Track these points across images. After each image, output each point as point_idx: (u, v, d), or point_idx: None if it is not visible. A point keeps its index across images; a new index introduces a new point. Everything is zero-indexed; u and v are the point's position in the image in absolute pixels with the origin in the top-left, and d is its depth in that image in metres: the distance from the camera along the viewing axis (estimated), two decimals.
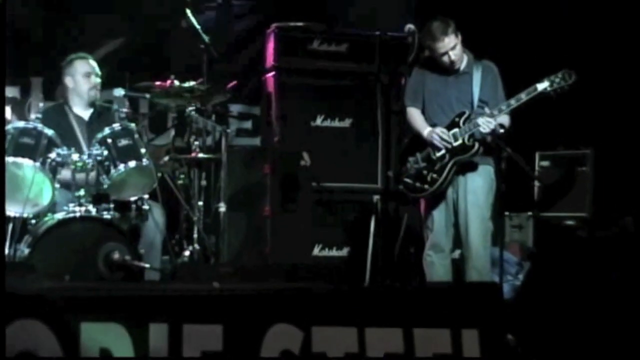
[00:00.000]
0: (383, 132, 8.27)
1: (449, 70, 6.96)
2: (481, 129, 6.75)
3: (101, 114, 7.31)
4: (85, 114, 7.36)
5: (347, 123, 8.39)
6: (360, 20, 8.70)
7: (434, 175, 6.90)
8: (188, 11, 7.76)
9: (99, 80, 7.33)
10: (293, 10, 8.66)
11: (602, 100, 8.80)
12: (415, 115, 7.09)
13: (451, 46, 6.84)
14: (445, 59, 6.89)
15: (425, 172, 6.94)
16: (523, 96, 6.74)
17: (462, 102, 6.95)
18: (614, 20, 8.85)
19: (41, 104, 8.07)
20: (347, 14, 8.86)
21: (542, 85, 6.73)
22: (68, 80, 7.35)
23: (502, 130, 6.77)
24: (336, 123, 8.36)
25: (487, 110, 6.78)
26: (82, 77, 7.30)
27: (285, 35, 8.35)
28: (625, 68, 8.82)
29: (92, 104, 7.35)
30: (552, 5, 9.01)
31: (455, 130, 6.87)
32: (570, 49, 8.69)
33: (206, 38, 7.74)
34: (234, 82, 8.10)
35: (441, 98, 7.01)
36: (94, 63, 7.36)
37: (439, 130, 6.89)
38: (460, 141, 6.85)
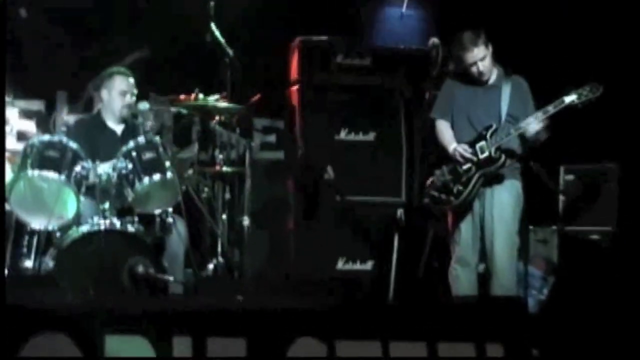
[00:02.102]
0: (407, 145, 8.27)
1: (478, 82, 6.94)
2: (530, 128, 6.70)
3: (133, 130, 7.29)
4: (118, 128, 7.35)
5: (370, 136, 8.39)
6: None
7: (460, 188, 6.89)
8: (212, 25, 7.78)
9: (133, 99, 7.30)
10: (317, 24, 8.67)
11: (627, 114, 8.75)
12: (443, 129, 7.06)
13: (480, 57, 6.82)
14: (474, 69, 6.87)
15: (451, 184, 6.92)
16: (550, 109, 6.72)
17: (490, 115, 6.93)
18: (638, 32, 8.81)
19: (66, 117, 8.11)
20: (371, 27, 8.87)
21: (569, 98, 6.70)
22: (104, 93, 7.32)
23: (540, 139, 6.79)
24: (360, 136, 8.36)
25: (512, 126, 6.76)
26: (118, 94, 7.25)
27: (309, 49, 8.37)
28: None
29: (123, 120, 7.36)
30: (577, 18, 8.98)
31: (482, 143, 6.85)
32: (595, 62, 8.65)
33: (230, 51, 7.76)
34: (258, 96, 8.12)
35: (470, 111, 6.99)
36: (132, 81, 7.31)
37: (461, 149, 6.86)
38: (486, 153, 6.83)
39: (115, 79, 7.29)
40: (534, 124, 6.75)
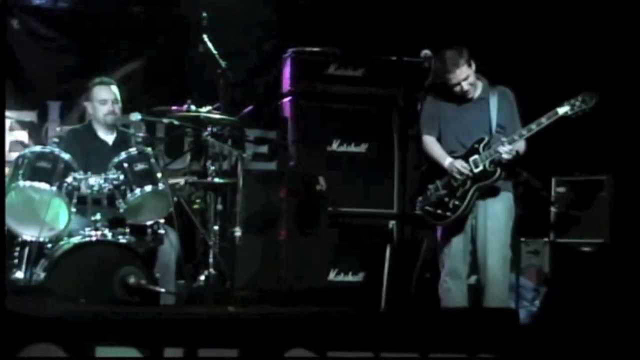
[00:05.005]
0: (399, 156, 8.27)
1: (463, 99, 6.93)
2: (504, 156, 6.71)
3: (124, 140, 7.31)
4: (109, 138, 7.37)
5: (363, 148, 8.39)
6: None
7: (456, 202, 6.84)
8: (205, 36, 7.78)
9: (117, 105, 7.32)
10: (310, 35, 8.68)
11: (619, 126, 8.76)
12: (431, 145, 7.02)
13: (463, 77, 6.80)
14: (458, 89, 6.85)
15: (446, 199, 6.87)
16: (544, 120, 6.70)
17: (481, 127, 6.90)
18: (632, 42, 8.82)
19: (58, 128, 8.12)
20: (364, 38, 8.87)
21: (562, 109, 6.69)
22: (88, 105, 7.39)
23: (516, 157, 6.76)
24: (352, 148, 8.37)
25: (503, 137, 6.74)
26: (99, 104, 7.29)
27: (302, 60, 8.37)
28: None
29: (114, 129, 7.36)
30: (569, 28, 8.99)
31: (475, 156, 6.82)
32: (588, 72, 8.65)
33: (223, 63, 7.76)
34: (250, 107, 8.11)
35: (458, 125, 6.96)
36: (114, 89, 7.35)
37: (459, 164, 6.83)
38: (481, 167, 6.81)
39: (94, 90, 7.33)
40: (525, 137, 6.74)
